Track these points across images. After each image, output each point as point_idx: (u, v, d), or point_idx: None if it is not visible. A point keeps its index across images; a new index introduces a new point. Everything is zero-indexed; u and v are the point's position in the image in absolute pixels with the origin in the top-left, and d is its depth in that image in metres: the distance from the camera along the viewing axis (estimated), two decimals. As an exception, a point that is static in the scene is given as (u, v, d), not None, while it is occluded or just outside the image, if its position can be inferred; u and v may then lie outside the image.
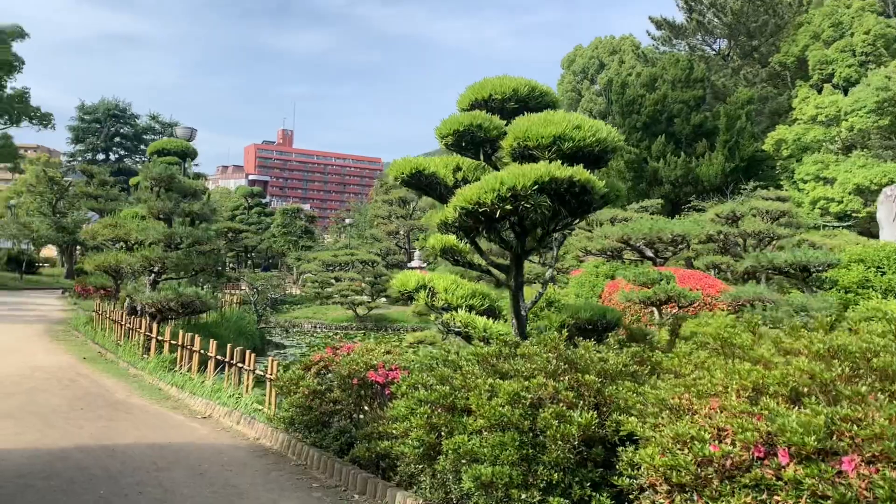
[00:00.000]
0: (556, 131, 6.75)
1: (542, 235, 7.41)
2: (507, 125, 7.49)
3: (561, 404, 5.09)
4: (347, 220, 67.99)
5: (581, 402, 5.14)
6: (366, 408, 7.69)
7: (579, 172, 6.44)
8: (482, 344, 6.09)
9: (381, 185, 77.98)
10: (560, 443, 4.87)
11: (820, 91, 52.67)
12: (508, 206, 6.31)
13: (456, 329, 7.24)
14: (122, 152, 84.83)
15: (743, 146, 55.19)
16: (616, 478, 4.59)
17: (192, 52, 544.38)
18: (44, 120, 49.73)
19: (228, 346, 12.36)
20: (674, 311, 16.59)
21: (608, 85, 75.63)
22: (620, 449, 4.75)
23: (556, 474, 4.88)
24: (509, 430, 5.08)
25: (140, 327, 16.24)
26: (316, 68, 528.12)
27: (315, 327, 38.22)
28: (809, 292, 15.14)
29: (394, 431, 6.03)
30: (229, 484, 6.81)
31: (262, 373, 10.96)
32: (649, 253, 27.90)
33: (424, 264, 45.83)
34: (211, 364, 12.52)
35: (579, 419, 4.89)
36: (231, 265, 55.26)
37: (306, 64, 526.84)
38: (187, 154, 20.59)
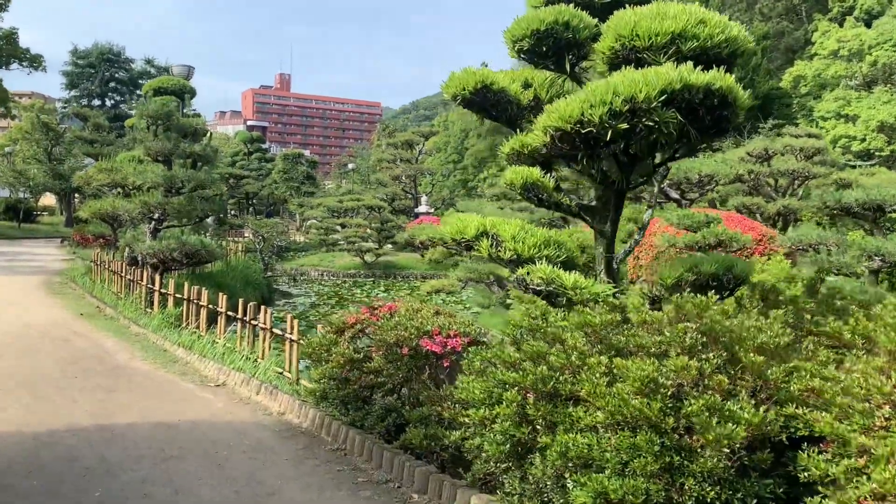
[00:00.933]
0: (676, 27, 5.29)
1: (658, 164, 5.98)
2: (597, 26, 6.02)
3: (710, 393, 3.77)
4: (350, 166, 66.32)
5: (738, 390, 3.82)
6: (417, 384, 6.40)
7: (720, 78, 5.01)
8: (584, 309, 4.74)
9: (385, 129, 76.12)
10: (717, 447, 3.57)
11: (841, 24, 50.50)
12: (623, 125, 4.87)
13: (535, 287, 5.88)
14: (118, 98, 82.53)
15: (758, 84, 53.27)
16: (809, 499, 3.30)
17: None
18: (34, 62, 47.68)
19: (240, 300, 11.08)
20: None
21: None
22: (804, 456, 3.45)
23: (710, 489, 3.59)
24: (642, 428, 3.77)
25: (141, 279, 14.96)
26: (314, 8, 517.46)
27: (322, 275, 37.01)
28: (881, 234, 13.80)
29: (466, 420, 4.74)
30: (255, 479, 5.57)
31: (280, 332, 9.68)
32: (674, 194, 26.51)
33: (432, 209, 44.44)
34: (221, 320, 11.24)
35: (745, 415, 3.58)
36: (233, 212, 53.83)
37: (304, 3, 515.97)
38: (185, 92, 19.05)
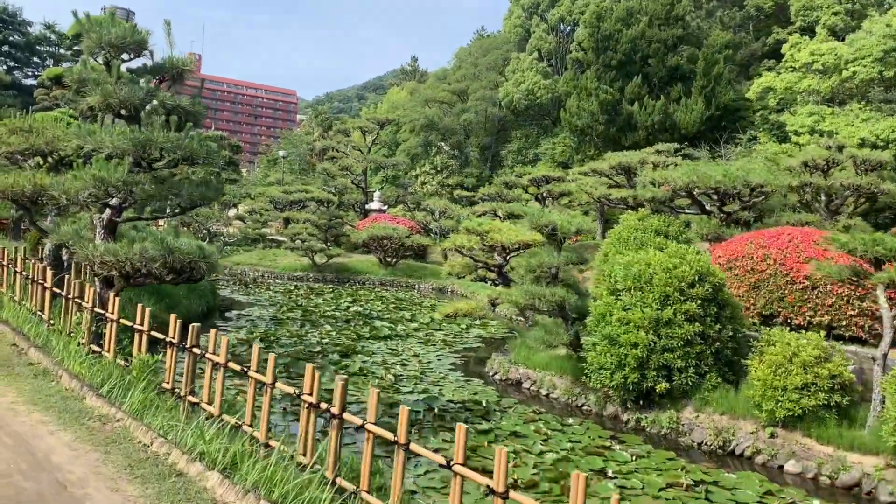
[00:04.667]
0: None
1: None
2: None
3: None
4: (281, 153, 60.52)
5: None
6: None
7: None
8: None
9: (317, 116, 70.54)
10: None
11: (811, 37, 48.89)
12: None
13: None
14: (12, 63, 73.95)
15: (719, 93, 51.23)
16: None
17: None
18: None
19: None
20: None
21: (559, 23, 70.39)
22: None
23: None
24: None
25: (79, 297, 9.84)
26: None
27: (264, 276, 31.72)
28: None
29: None
30: None
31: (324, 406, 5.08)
32: (709, 206, 22.81)
33: (385, 206, 39.68)
34: (253, 395, 6.46)
35: None
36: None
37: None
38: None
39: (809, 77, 45.32)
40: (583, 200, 30.80)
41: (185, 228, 34.79)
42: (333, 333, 18.93)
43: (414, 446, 5.64)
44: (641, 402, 12.59)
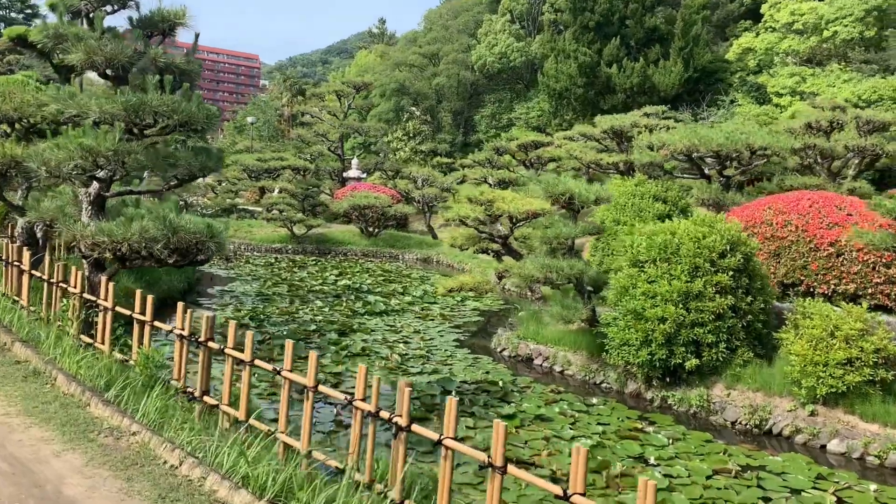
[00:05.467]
0: None
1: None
2: None
3: None
4: (249, 119, 58.66)
5: None
6: None
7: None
8: None
9: (285, 81, 68.61)
10: None
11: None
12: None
13: None
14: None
15: (697, 54, 50.52)
16: None
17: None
18: None
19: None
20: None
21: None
22: None
23: None
24: None
25: (63, 280, 8.79)
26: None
27: (241, 248, 30.51)
28: None
29: None
30: None
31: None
32: (707, 170, 22.17)
33: (364, 174, 38.52)
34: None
35: None
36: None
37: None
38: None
39: (789, 38, 44.79)
40: (569, 167, 29.98)
41: (156, 199, 33.38)
42: (326, 310, 17.99)
43: (454, 444, 4.76)
44: (668, 380, 11.91)
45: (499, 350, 14.97)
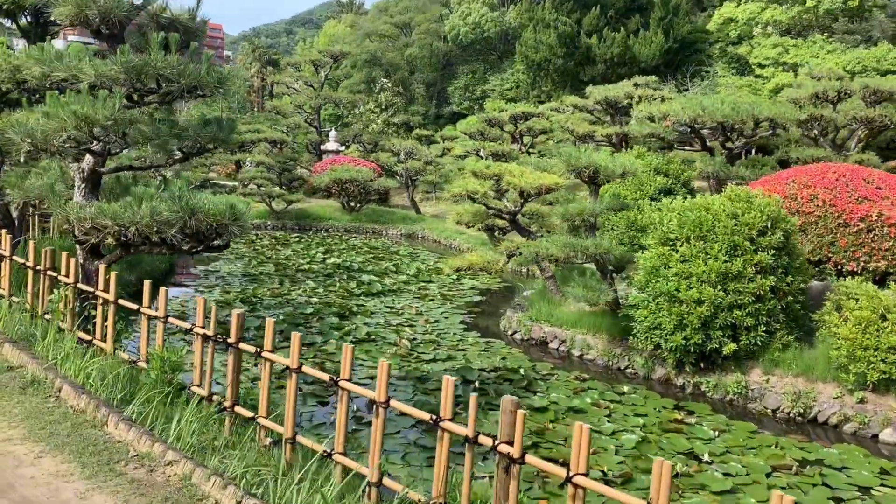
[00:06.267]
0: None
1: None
2: None
3: None
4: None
5: None
6: None
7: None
8: None
9: (254, 51, 66.65)
10: None
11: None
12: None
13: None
14: None
15: (677, 24, 49.88)
16: None
17: None
18: None
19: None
20: None
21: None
22: None
23: None
24: None
25: (50, 268, 7.74)
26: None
27: (218, 226, 29.07)
28: None
29: None
30: None
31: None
32: (710, 142, 21.51)
33: (342, 147, 37.28)
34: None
35: None
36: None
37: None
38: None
39: (772, 8, 44.19)
40: (558, 139, 29.12)
41: (164, 181, 31.91)
42: (320, 291, 17.03)
43: (531, 458, 3.94)
44: (701, 365, 11.20)
45: (510, 333, 14.18)
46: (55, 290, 7.49)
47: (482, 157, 26.50)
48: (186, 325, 6.02)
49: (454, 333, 13.84)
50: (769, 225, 10.83)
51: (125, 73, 7.13)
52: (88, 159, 7.86)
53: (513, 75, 58.11)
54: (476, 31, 59.43)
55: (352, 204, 30.42)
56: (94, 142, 7.39)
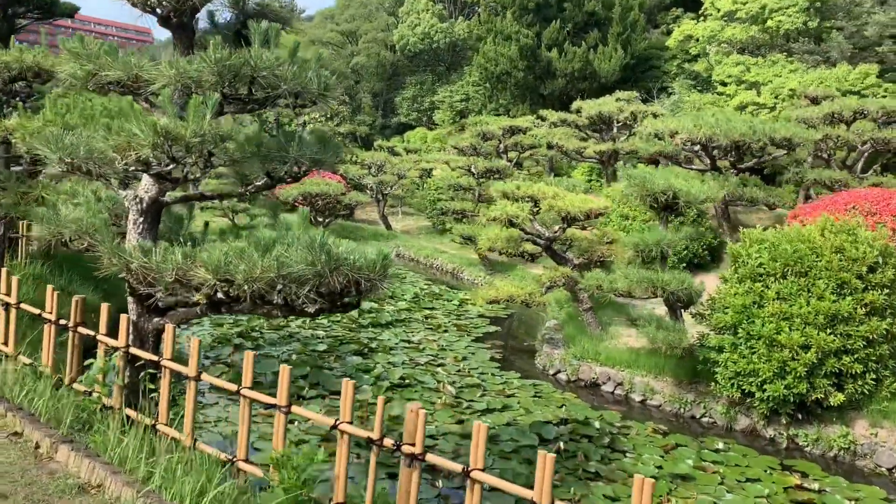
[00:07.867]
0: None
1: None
2: None
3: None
4: (160, 96, 53.51)
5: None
6: None
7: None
8: None
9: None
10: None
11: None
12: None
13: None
14: None
15: (635, 40, 49.71)
16: None
17: None
18: None
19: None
20: None
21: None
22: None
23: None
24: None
25: (83, 324, 5.86)
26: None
27: (175, 243, 26.78)
28: None
29: None
30: None
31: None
32: (719, 161, 20.60)
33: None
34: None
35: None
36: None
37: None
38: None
39: (731, 26, 44.27)
40: (540, 155, 27.92)
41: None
42: (321, 320, 15.24)
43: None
44: (800, 416, 9.97)
45: (551, 373, 12.73)
46: (103, 356, 5.59)
47: (473, 174, 25.02)
48: (229, 386, 4.26)
49: (492, 374, 12.31)
50: (880, 260, 9.69)
51: (217, 75, 5.27)
52: (147, 185, 5.94)
53: (462, 87, 57.14)
54: (425, 41, 58.30)
55: (319, 219, 28.51)
56: (173, 163, 5.52)
